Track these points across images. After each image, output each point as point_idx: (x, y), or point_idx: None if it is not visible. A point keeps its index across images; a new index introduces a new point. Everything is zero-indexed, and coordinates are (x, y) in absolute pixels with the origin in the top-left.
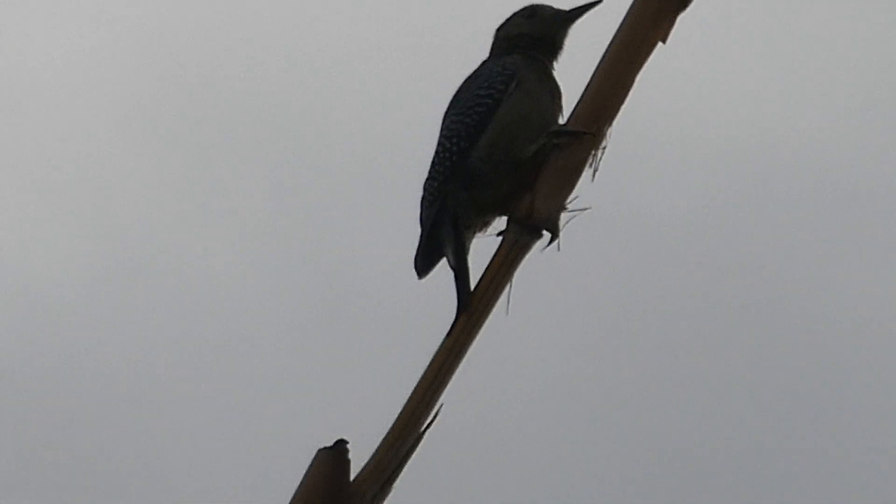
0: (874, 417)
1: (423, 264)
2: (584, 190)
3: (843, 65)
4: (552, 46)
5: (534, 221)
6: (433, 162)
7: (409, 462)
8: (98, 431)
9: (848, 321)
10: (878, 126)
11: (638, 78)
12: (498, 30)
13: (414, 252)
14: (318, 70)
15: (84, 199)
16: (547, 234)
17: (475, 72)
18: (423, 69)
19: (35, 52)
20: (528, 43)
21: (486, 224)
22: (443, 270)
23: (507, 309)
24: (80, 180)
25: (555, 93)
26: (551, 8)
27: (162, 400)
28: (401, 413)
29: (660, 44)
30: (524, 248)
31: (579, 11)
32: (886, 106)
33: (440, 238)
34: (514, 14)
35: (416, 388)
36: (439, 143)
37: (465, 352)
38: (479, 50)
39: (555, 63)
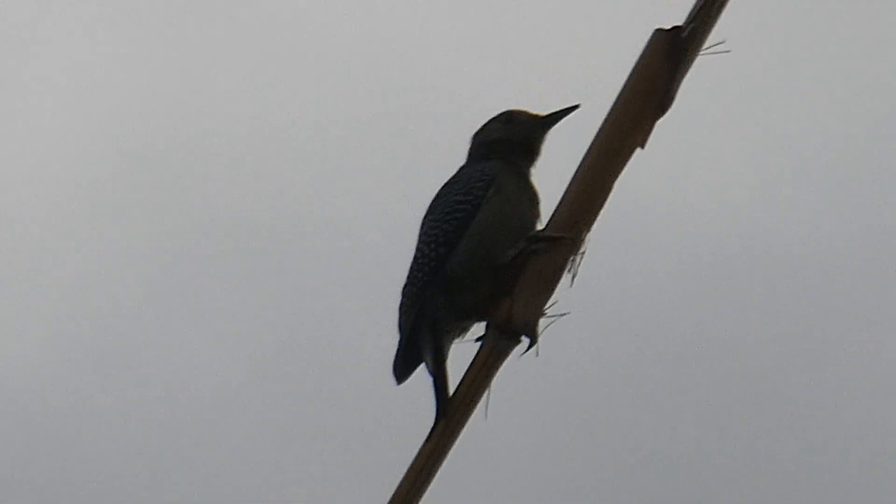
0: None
1: (402, 370)
2: (563, 295)
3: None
4: (529, 152)
5: (512, 327)
6: (411, 267)
7: None
8: None
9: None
10: (844, 209)
11: (616, 183)
12: (475, 135)
13: (392, 357)
14: (297, 163)
15: (59, 287)
16: (525, 340)
17: (453, 177)
18: (402, 167)
19: (12, 140)
20: (506, 148)
21: (464, 329)
22: (422, 375)
23: (486, 414)
24: (54, 267)
25: (533, 198)
26: (528, 113)
27: (133, 488)
28: None
29: (638, 149)
30: (503, 354)
31: (556, 117)
32: (852, 190)
33: (419, 343)
34: (491, 120)
35: (395, 494)
36: (417, 249)
37: (444, 457)
38: (457, 152)
39: (532, 168)
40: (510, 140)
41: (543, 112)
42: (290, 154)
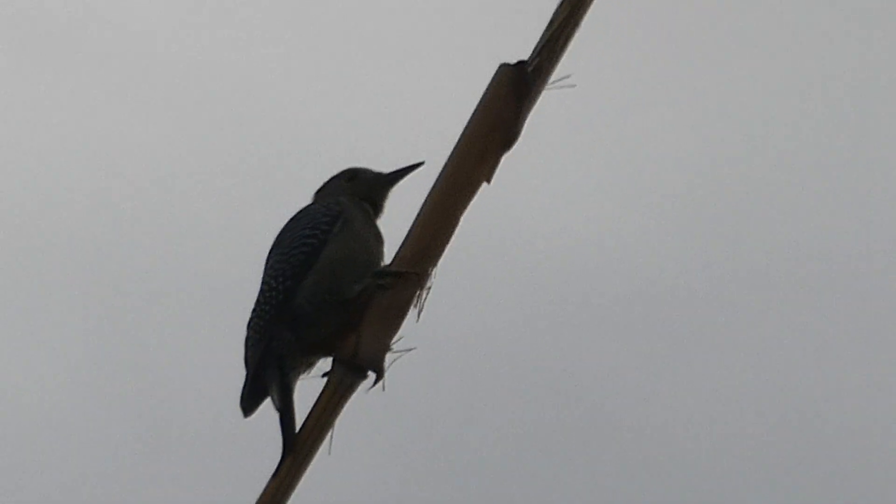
0: None
1: (249, 403)
2: (409, 330)
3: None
4: (373, 207)
5: (359, 362)
6: (258, 301)
7: None
8: None
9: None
10: (695, 231)
11: (462, 217)
12: (318, 192)
13: (240, 391)
14: (141, 184)
15: None
16: (372, 375)
17: (299, 212)
18: (248, 203)
19: None
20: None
21: (311, 364)
22: (269, 409)
23: (329, 450)
24: None
25: (378, 236)
26: (371, 171)
27: None
28: None
29: (484, 183)
30: (349, 389)
31: (400, 174)
32: (702, 211)
33: (265, 379)
34: (335, 177)
35: None
36: (264, 283)
37: (291, 493)
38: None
39: (377, 219)
40: (355, 196)
41: (386, 169)
42: (132, 175)
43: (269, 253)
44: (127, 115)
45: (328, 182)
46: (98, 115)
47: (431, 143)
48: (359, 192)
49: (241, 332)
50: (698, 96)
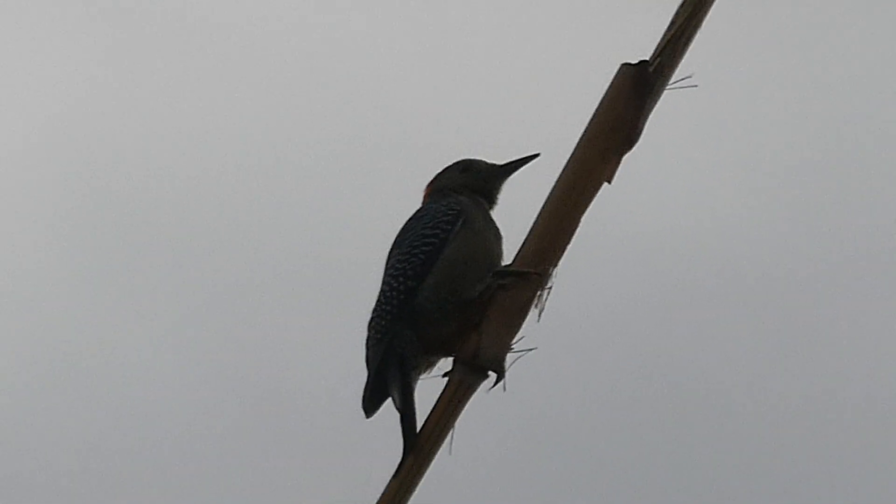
0: None
1: (371, 404)
2: (530, 330)
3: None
4: (487, 199)
5: (480, 362)
6: (379, 300)
7: None
8: None
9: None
10: (791, 221)
11: (583, 217)
12: (432, 182)
13: (361, 391)
14: (263, 180)
15: (17, 301)
16: (493, 375)
17: (418, 211)
18: (366, 198)
19: None
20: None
21: (431, 364)
22: (389, 409)
23: (450, 450)
24: (13, 281)
25: (497, 234)
26: (485, 162)
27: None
28: None
29: (605, 184)
30: (470, 389)
31: (515, 166)
32: (798, 201)
33: (387, 379)
34: (448, 168)
35: None
36: (385, 283)
37: (412, 493)
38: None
39: (491, 210)
40: (468, 187)
41: (501, 161)
42: (257, 170)
43: (390, 252)
44: (246, 108)
45: (441, 173)
46: (215, 108)
47: (553, 142)
48: (472, 183)
49: (359, 326)
50: (814, 92)
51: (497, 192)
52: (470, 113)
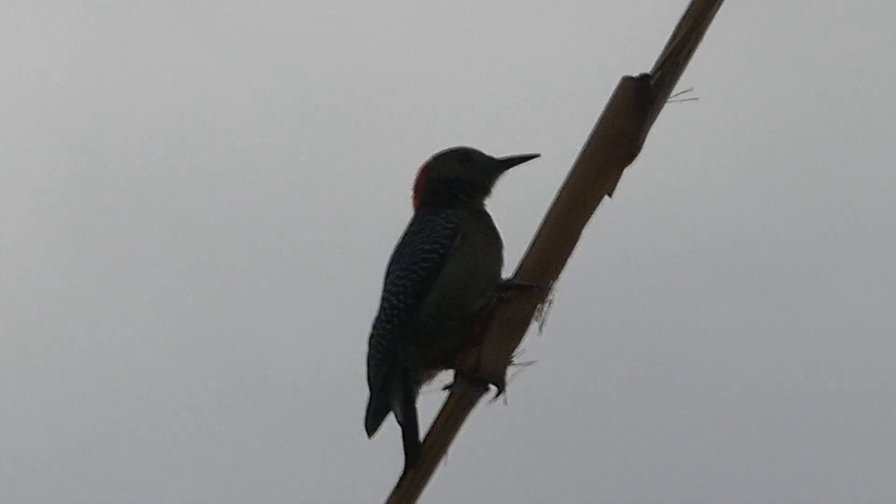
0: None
1: (373, 422)
2: (531, 343)
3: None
4: (482, 191)
5: (480, 375)
6: (379, 318)
7: None
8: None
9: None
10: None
11: (584, 231)
12: (430, 169)
13: (364, 411)
14: (258, 158)
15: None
16: (494, 388)
17: (416, 225)
18: (367, 178)
19: None
20: (461, 188)
21: (432, 377)
22: (390, 423)
23: (447, 462)
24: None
25: (499, 245)
26: (484, 154)
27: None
28: None
29: (606, 197)
30: (471, 402)
31: (513, 161)
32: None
33: (388, 393)
34: (446, 154)
35: None
36: (385, 300)
37: None
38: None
39: (486, 201)
40: (464, 179)
41: (500, 154)
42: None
43: (389, 266)
44: (244, 84)
45: (438, 159)
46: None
47: (554, 154)
48: (470, 175)
49: (355, 310)
50: (817, 99)
51: (493, 186)
52: (472, 128)
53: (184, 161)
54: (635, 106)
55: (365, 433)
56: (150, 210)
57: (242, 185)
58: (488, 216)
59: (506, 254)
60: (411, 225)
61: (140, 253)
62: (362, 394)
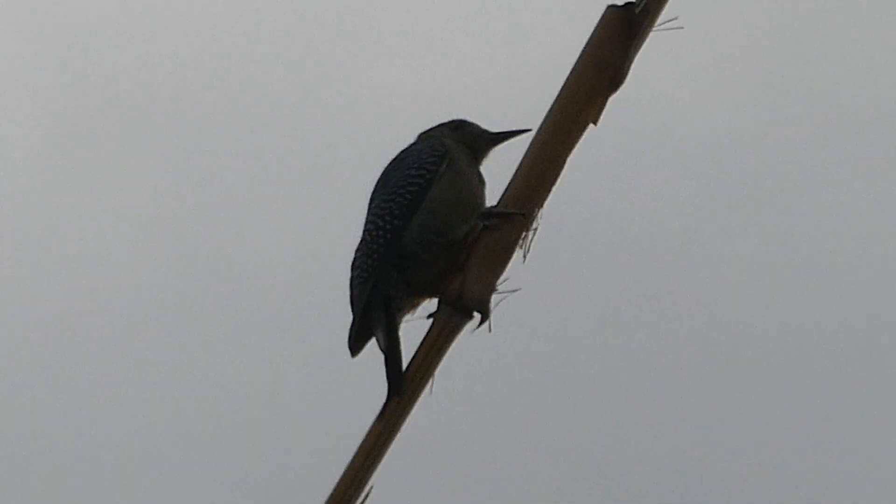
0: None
1: (356, 343)
2: (515, 271)
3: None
4: (473, 160)
5: (465, 303)
6: (363, 240)
7: None
8: None
9: None
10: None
11: (569, 159)
12: (422, 134)
13: (347, 332)
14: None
15: None
16: (477, 316)
17: (402, 153)
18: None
19: None
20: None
21: (415, 305)
22: (373, 348)
23: (431, 390)
24: None
25: (481, 179)
26: (478, 126)
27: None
28: (331, 495)
29: (591, 125)
30: (455, 330)
31: (505, 136)
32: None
33: (371, 320)
34: (441, 125)
35: (346, 470)
36: (370, 222)
37: (396, 434)
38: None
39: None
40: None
41: (493, 129)
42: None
43: (373, 192)
44: None
45: (434, 128)
46: None
47: (538, 83)
48: (463, 141)
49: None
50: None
51: (484, 157)
52: (460, 57)
53: (173, 64)
54: (620, 35)
55: (348, 353)
56: (136, 117)
57: (232, 91)
58: (473, 159)
59: (488, 192)
60: (398, 154)
61: (125, 161)
62: (347, 315)
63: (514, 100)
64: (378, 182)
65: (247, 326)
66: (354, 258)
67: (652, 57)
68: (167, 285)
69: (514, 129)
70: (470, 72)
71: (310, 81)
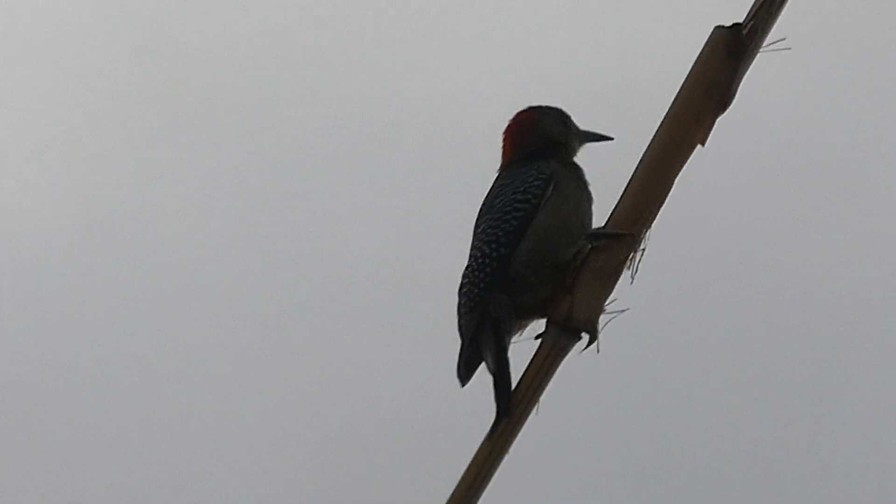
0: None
1: (466, 371)
2: (623, 292)
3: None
4: (571, 154)
5: (573, 324)
6: (470, 266)
7: None
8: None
9: None
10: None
11: (676, 180)
12: (535, 123)
13: (457, 361)
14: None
15: (68, 170)
16: (586, 336)
17: (507, 175)
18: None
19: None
20: (555, 148)
21: (523, 326)
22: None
23: (537, 411)
24: (66, 152)
25: (590, 198)
26: (575, 124)
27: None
28: None
29: (699, 146)
30: (563, 351)
31: (591, 137)
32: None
33: (480, 342)
34: (550, 109)
35: (454, 491)
36: (476, 248)
37: (505, 454)
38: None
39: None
40: (560, 141)
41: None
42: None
43: (479, 217)
44: None
45: (542, 112)
46: None
47: (646, 105)
48: (566, 138)
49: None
50: None
51: (574, 154)
52: (565, 75)
53: (246, 48)
54: (728, 56)
55: (458, 382)
56: (210, 97)
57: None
58: (580, 169)
59: (595, 208)
60: (501, 177)
61: (200, 140)
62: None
63: (623, 119)
64: (483, 204)
65: (359, 337)
66: (461, 284)
67: (760, 77)
68: (243, 266)
69: (600, 133)
70: (577, 88)
71: (398, 69)
